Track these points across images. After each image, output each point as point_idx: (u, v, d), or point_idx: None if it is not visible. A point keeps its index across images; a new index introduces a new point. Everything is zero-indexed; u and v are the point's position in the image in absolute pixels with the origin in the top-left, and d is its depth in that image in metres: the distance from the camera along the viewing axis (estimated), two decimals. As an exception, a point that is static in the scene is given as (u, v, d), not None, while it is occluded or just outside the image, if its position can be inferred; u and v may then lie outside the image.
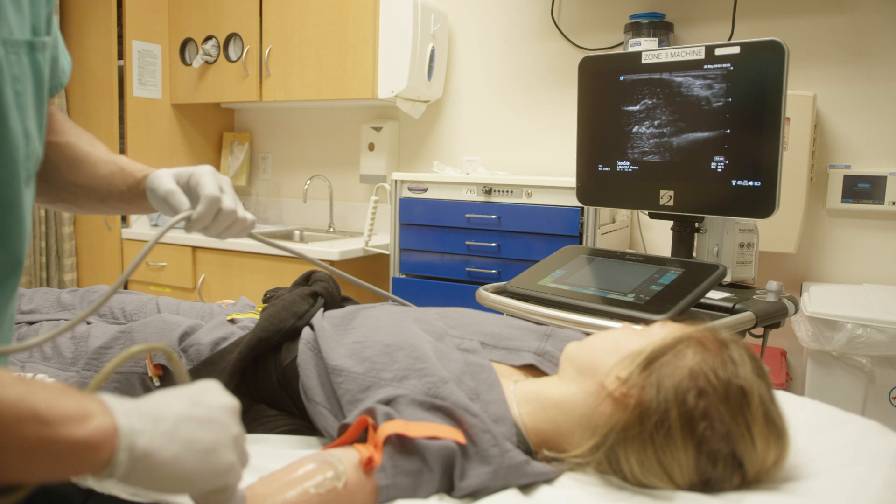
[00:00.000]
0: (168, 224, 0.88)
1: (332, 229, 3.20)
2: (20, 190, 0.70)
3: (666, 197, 1.65)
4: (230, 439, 0.61)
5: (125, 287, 2.74)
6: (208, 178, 0.93)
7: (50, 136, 0.94)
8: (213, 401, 0.62)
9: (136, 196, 0.98)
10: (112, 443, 0.54)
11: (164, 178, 0.94)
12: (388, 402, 0.84)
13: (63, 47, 0.89)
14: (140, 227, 3.14)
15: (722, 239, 1.67)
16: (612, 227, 2.32)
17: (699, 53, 1.57)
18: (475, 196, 2.31)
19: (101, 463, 0.53)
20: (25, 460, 0.51)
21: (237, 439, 0.63)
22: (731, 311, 1.44)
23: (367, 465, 0.75)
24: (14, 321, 0.78)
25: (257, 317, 1.16)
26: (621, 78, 1.70)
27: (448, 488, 0.80)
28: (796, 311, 1.55)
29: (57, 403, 0.52)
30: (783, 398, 0.88)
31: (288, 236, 3.20)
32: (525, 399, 0.92)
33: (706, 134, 1.58)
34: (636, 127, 1.69)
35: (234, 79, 3.07)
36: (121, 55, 3.05)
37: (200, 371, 1.03)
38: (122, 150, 3.08)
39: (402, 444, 0.78)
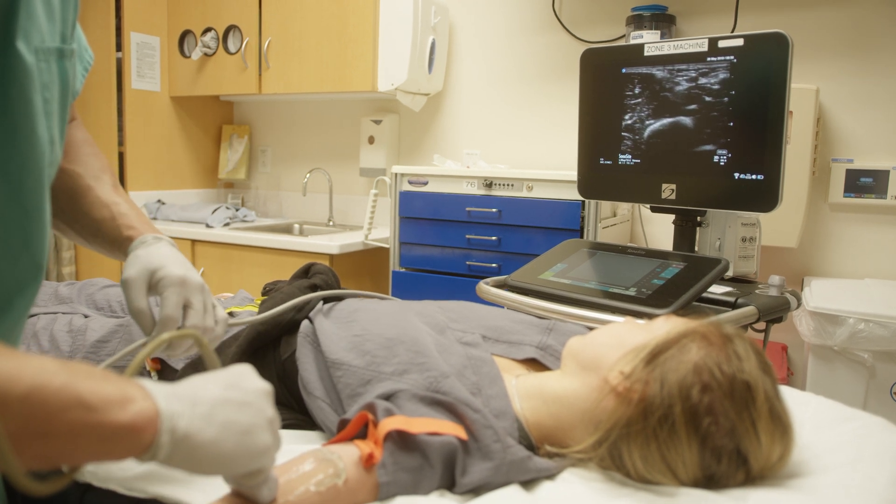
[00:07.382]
0: (124, 352, 0.88)
1: (331, 223, 3.19)
2: (44, 196, 0.70)
3: (668, 190, 1.64)
4: (266, 422, 0.62)
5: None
6: (171, 294, 0.85)
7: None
8: (247, 384, 0.63)
9: (117, 251, 0.94)
10: (154, 426, 0.55)
11: (136, 288, 0.86)
12: (388, 396, 0.83)
13: (85, 44, 0.88)
14: (139, 220, 3.12)
15: (724, 233, 1.66)
16: (614, 220, 2.31)
17: (702, 46, 1.55)
18: (476, 189, 2.30)
19: (144, 446, 0.55)
20: (72, 445, 0.52)
21: (272, 422, 0.63)
22: (734, 306, 1.43)
23: (368, 462, 0.74)
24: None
25: (256, 310, 1.15)
26: (623, 70, 1.69)
27: (449, 484, 0.79)
28: (798, 305, 1.54)
29: (100, 389, 0.53)
30: (787, 394, 0.87)
31: (287, 230, 3.18)
32: (527, 394, 0.91)
33: (708, 127, 1.57)
34: (638, 120, 1.68)
35: (233, 71, 3.05)
36: (119, 47, 3.03)
37: (199, 365, 1.02)
38: (121, 143, 3.07)
39: (402, 441, 0.77)
